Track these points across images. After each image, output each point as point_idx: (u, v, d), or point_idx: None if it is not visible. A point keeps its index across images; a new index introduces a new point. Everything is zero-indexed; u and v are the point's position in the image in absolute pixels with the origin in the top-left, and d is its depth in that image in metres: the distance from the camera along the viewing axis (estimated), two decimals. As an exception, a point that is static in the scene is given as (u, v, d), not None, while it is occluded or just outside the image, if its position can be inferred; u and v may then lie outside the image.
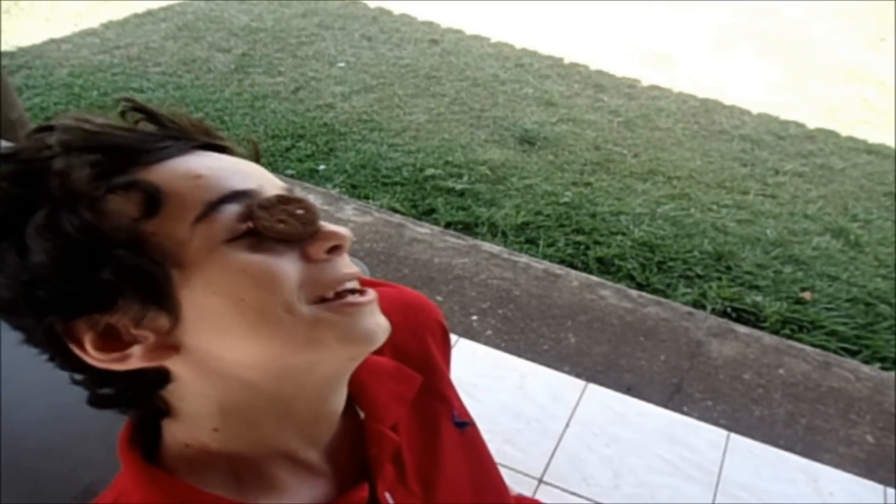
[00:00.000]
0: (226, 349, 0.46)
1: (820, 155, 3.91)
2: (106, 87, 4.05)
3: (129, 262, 0.43)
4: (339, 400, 0.55)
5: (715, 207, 3.27)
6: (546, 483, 1.75)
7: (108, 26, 5.04)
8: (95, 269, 0.43)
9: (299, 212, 0.47)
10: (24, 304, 0.43)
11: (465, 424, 0.68)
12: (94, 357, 0.44)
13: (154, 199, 0.44)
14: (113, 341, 0.45)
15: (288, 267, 0.46)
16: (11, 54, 4.39)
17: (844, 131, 4.24)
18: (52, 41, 4.73)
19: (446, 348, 0.72)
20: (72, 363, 0.46)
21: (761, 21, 5.97)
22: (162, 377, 0.48)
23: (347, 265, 0.50)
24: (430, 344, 0.68)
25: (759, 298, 2.62)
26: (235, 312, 0.45)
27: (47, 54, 4.51)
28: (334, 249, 0.49)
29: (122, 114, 0.49)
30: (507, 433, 1.85)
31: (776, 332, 2.47)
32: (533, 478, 1.75)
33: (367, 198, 3.15)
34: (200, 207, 0.45)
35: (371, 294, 0.51)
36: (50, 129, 0.46)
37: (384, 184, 3.27)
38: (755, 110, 4.42)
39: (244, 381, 0.48)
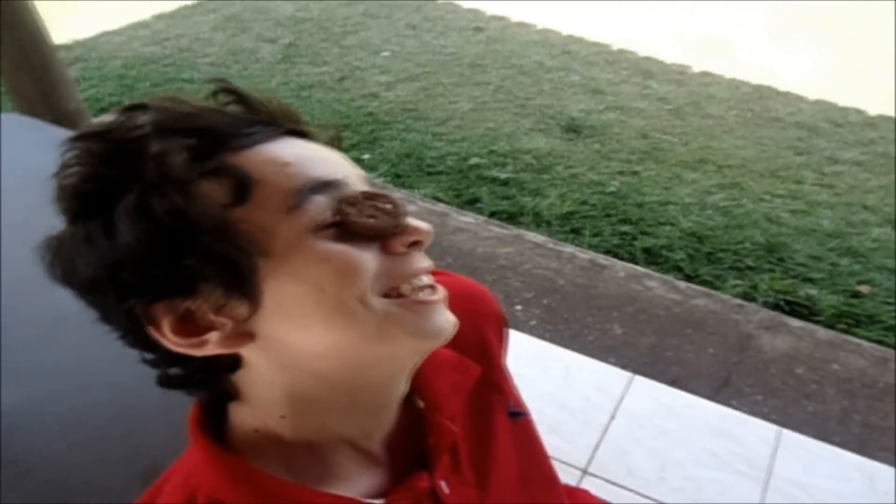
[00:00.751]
0: (300, 338, 0.46)
1: (881, 143, 3.74)
2: (157, 78, 4.17)
3: (216, 248, 0.43)
4: (402, 391, 0.56)
5: (767, 197, 3.17)
6: (590, 474, 1.75)
7: (158, 18, 5.18)
8: (181, 255, 0.43)
9: (387, 206, 0.48)
10: (107, 284, 0.44)
11: (519, 414, 0.69)
12: (171, 341, 0.45)
13: (244, 186, 0.44)
14: (191, 326, 0.45)
15: (369, 259, 0.47)
16: (67, 47, 4.55)
17: (908, 118, 4.05)
18: (105, 34, 4.89)
19: (504, 338, 0.72)
20: (144, 343, 0.47)
21: (819, 3, 5.72)
22: (233, 362, 0.48)
23: (423, 260, 0.51)
24: (488, 334, 0.69)
25: (813, 291, 2.54)
26: (315, 302, 0.45)
27: (101, 47, 4.67)
28: (414, 244, 0.49)
29: (213, 95, 0.49)
30: (552, 424, 1.85)
31: (831, 327, 2.39)
32: (577, 468, 1.75)
33: (410, 187, 3.16)
34: (289, 197, 0.45)
35: (441, 292, 0.51)
36: (142, 107, 0.46)
37: (428, 173, 3.28)
38: (812, 96, 4.25)
39: (314, 371, 0.48)
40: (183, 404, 0.53)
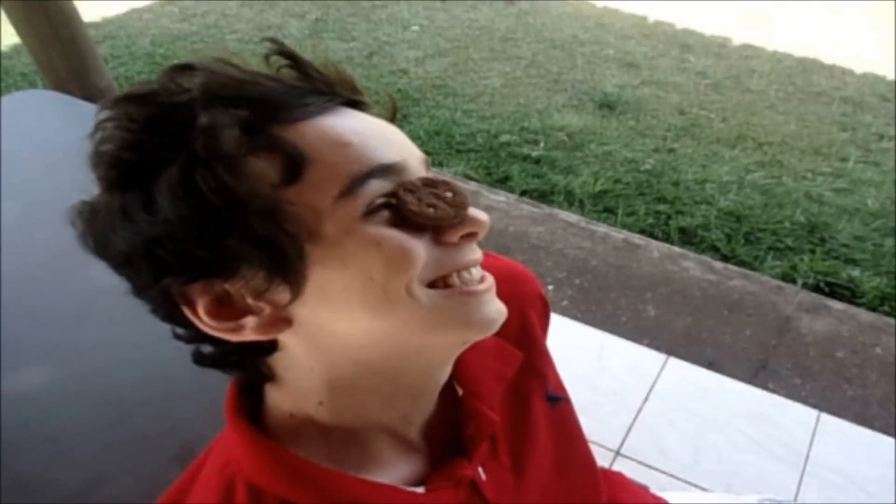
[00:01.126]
0: (342, 326, 0.44)
1: (931, 118, 3.59)
2: (186, 56, 4.14)
3: (263, 231, 0.40)
4: (443, 378, 0.54)
5: (810, 175, 3.06)
6: (623, 456, 1.73)
7: (186, -6, 5.18)
8: (225, 235, 0.40)
9: (448, 195, 0.45)
10: (143, 260, 0.41)
11: (559, 399, 0.67)
12: (206, 323, 0.43)
13: (298, 166, 0.41)
14: (227, 308, 0.43)
15: (421, 248, 0.44)
16: (97, 25, 4.58)
17: (961, 92, 3.87)
18: (134, 11, 4.91)
19: (545, 320, 0.70)
20: (177, 319, 0.45)
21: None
22: (270, 345, 0.46)
23: (474, 251, 0.48)
24: (531, 316, 0.67)
25: (855, 273, 2.46)
26: (361, 289, 0.42)
27: (130, 24, 4.69)
28: (469, 235, 0.46)
29: (266, 58, 0.45)
30: (584, 405, 1.81)
31: (874, 309, 2.32)
32: (610, 450, 1.74)
33: (440, 165, 3.14)
34: (345, 181, 0.42)
35: (489, 281, 0.49)
36: (189, 68, 0.43)
37: (458, 150, 3.24)
38: (859, 70, 4.08)
39: (354, 358, 0.46)
40: (219, 383, 0.52)
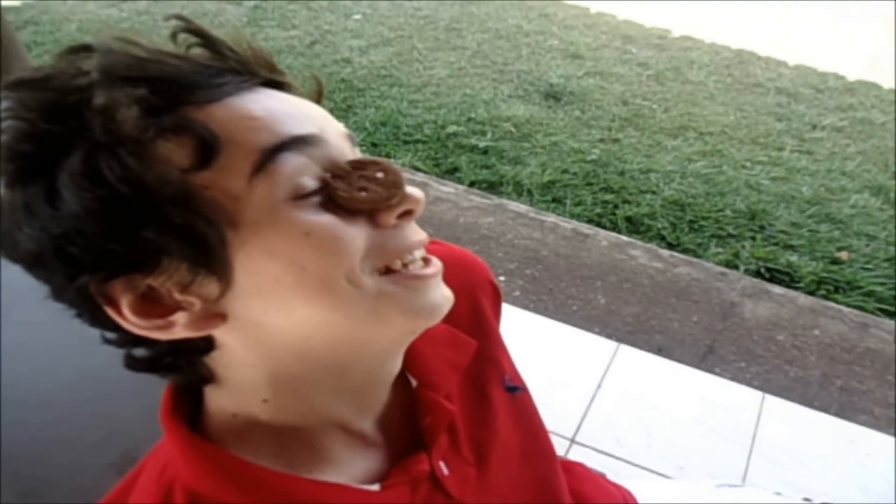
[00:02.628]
0: (279, 319, 0.41)
1: (860, 108, 3.75)
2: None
3: (178, 219, 0.37)
4: (394, 369, 0.52)
5: (748, 164, 3.16)
6: (578, 443, 1.73)
7: (117, -21, 4.94)
8: (138, 226, 0.37)
9: (379, 175, 0.43)
10: (54, 259, 0.38)
11: (517, 389, 0.66)
12: (132, 322, 0.40)
13: (209, 147, 0.38)
14: (154, 306, 0.40)
15: (356, 234, 0.41)
16: (17, 9, 4.32)
17: (887, 83, 4.05)
18: (60, -6, 4.66)
19: (497, 307, 0.68)
20: (104, 322, 0.41)
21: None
22: (206, 344, 0.43)
23: (416, 232, 0.46)
24: (482, 303, 0.64)
25: (794, 258, 2.55)
26: (294, 281, 0.40)
27: (54, 9, 4.44)
28: (405, 214, 0.44)
29: (174, 36, 0.42)
30: (538, 394, 1.81)
31: (812, 293, 2.40)
32: (565, 438, 1.74)
33: (388, 156, 3.08)
34: (256, 156, 0.39)
35: (436, 265, 0.46)
36: (87, 49, 0.40)
37: (405, 142, 3.20)
38: (792, 61, 4.24)
39: (296, 352, 0.44)
40: (159, 385, 0.48)
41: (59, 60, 0.40)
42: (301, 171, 0.40)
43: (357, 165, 0.43)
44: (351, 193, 0.41)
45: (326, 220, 0.40)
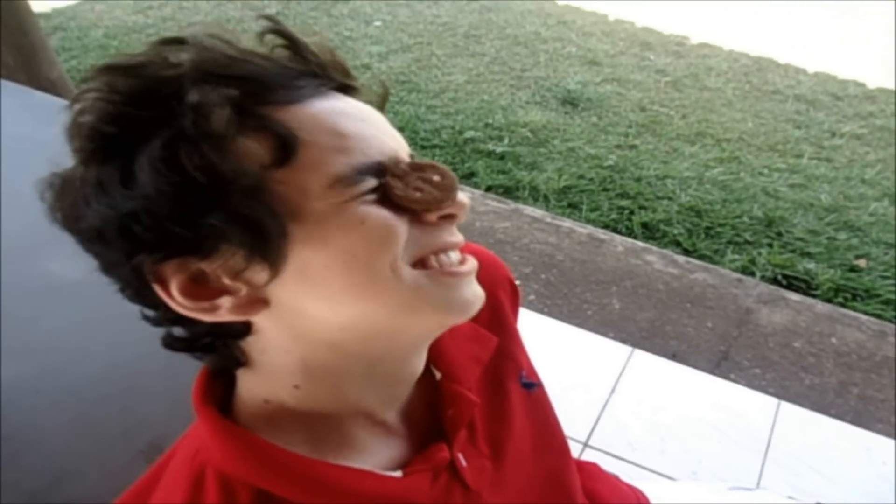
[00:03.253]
0: (319, 307, 0.43)
1: (880, 116, 3.72)
2: (141, 49, 4.05)
3: (247, 211, 0.39)
4: (421, 361, 0.54)
5: (766, 171, 3.15)
6: (591, 447, 1.74)
7: (143, -14, 5.04)
8: (206, 213, 0.38)
9: (435, 178, 0.45)
10: (117, 236, 0.39)
11: (533, 385, 0.67)
12: (179, 303, 0.41)
13: (289, 148, 0.40)
14: (201, 288, 0.41)
15: (402, 226, 0.43)
16: (47, 16, 4.42)
17: (906, 91, 4.02)
18: (86, 2, 4.76)
19: (516, 305, 0.70)
20: (146, 299, 0.43)
21: (818, -26, 5.65)
22: (244, 328, 0.45)
23: (454, 234, 0.48)
24: (502, 301, 0.66)
25: (811, 265, 2.54)
26: (343, 268, 0.42)
27: (82, 15, 4.54)
28: (448, 217, 0.46)
29: (261, 36, 0.44)
30: (552, 397, 1.84)
31: (829, 301, 2.39)
32: (578, 442, 1.75)
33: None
34: (345, 171, 0.41)
35: (471, 263, 0.48)
36: (180, 42, 0.41)
37: (423, 147, 3.23)
38: (811, 69, 4.22)
39: (331, 342, 0.45)
40: (186, 376, 0.50)
41: (150, 50, 0.41)
42: (372, 185, 0.43)
43: (415, 167, 0.45)
44: (406, 193, 0.43)
45: (380, 211, 0.42)
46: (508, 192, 2.93)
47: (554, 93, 3.75)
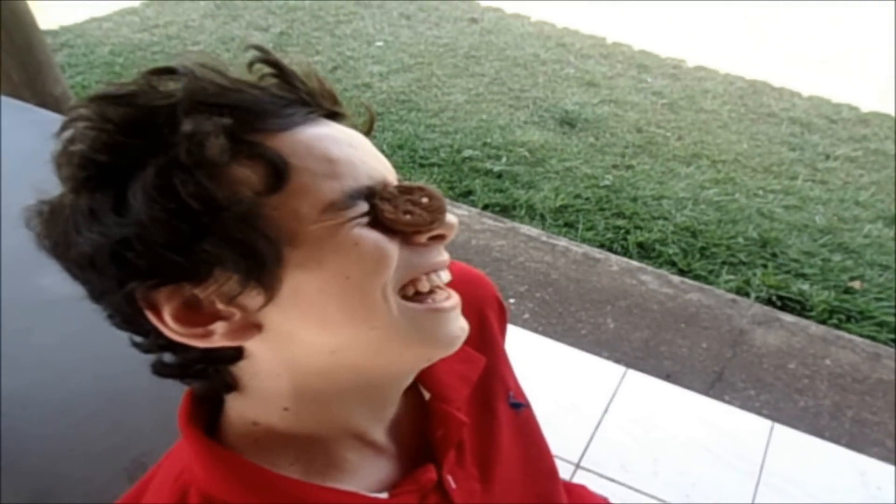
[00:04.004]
0: (313, 331, 0.44)
1: (874, 139, 3.75)
2: (146, 66, 4.09)
3: (242, 237, 0.39)
4: (409, 382, 0.54)
5: (761, 193, 3.17)
6: (583, 468, 1.74)
7: (147, 4, 5.10)
8: (200, 239, 0.39)
9: (424, 200, 0.45)
10: (109, 263, 0.39)
11: (521, 405, 0.67)
12: (172, 329, 0.41)
13: (281, 174, 0.40)
14: (194, 314, 0.41)
15: (394, 249, 0.44)
16: (54, 33, 4.47)
17: (901, 115, 4.05)
18: (94, 20, 4.81)
19: (503, 324, 0.70)
20: (137, 326, 0.43)
21: (815, 1, 5.73)
22: (236, 353, 0.45)
23: (441, 253, 0.49)
24: (490, 320, 0.67)
25: (805, 287, 2.54)
26: (338, 291, 0.42)
27: (88, 33, 4.59)
28: (437, 237, 0.47)
29: (250, 65, 0.44)
30: (544, 417, 1.82)
31: (823, 322, 2.40)
32: (570, 463, 1.74)
33: (404, 178, 3.13)
34: (337, 196, 0.42)
35: (455, 298, 0.49)
36: (171, 72, 0.42)
37: (421, 165, 3.25)
38: (806, 92, 4.26)
39: (322, 366, 0.46)
40: (173, 394, 0.50)
41: (141, 79, 0.42)
42: (362, 210, 0.44)
43: (404, 190, 0.45)
44: (396, 216, 0.44)
45: (372, 233, 0.43)
46: (505, 210, 2.95)
47: (552, 113, 3.78)
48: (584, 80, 4.20)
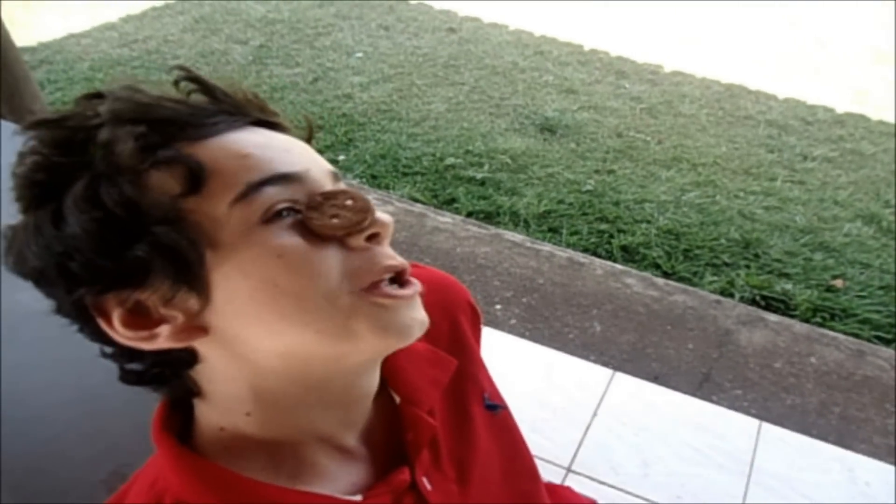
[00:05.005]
0: (255, 334, 0.45)
1: (850, 140, 3.81)
2: (125, 82, 4.06)
3: (165, 239, 0.41)
4: (372, 383, 0.54)
5: (742, 194, 3.20)
6: (574, 472, 1.73)
7: (126, 20, 5.07)
8: (130, 245, 0.41)
9: (348, 202, 0.46)
10: (56, 274, 0.42)
11: (497, 407, 0.67)
12: (121, 334, 0.43)
13: (197, 177, 0.42)
14: (141, 318, 0.44)
15: (328, 256, 0.45)
16: (32, 49, 4.43)
17: (875, 115, 4.12)
18: (72, 36, 4.77)
19: (477, 328, 0.70)
20: (100, 336, 0.45)
21: (788, 3, 5.84)
22: (189, 357, 0.46)
23: (388, 256, 0.48)
24: (462, 324, 0.67)
25: (788, 286, 2.56)
26: (268, 298, 0.43)
27: (67, 49, 4.55)
28: (373, 237, 0.47)
29: (176, 83, 0.48)
30: (534, 422, 1.83)
31: (807, 321, 2.41)
32: (561, 467, 1.73)
33: (387, 188, 3.13)
34: (241, 187, 0.43)
35: (414, 287, 0.49)
36: (100, 96, 0.45)
37: (404, 174, 3.25)
38: (782, 95, 4.32)
39: (273, 367, 0.46)
40: (150, 406, 0.51)
41: (76, 105, 0.45)
42: (278, 200, 0.44)
43: (328, 196, 0.46)
44: (323, 221, 0.44)
45: (296, 242, 0.44)
46: (489, 217, 2.94)
47: (532, 120, 3.80)
48: (564, 87, 4.23)
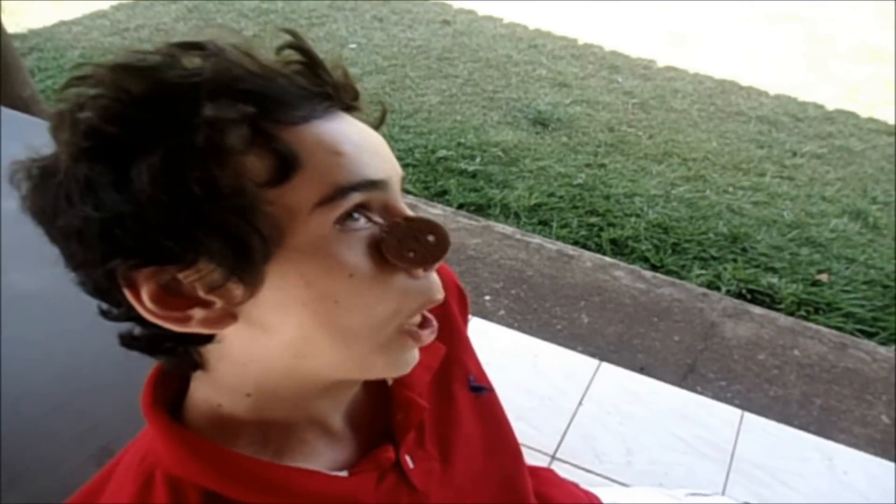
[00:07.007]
0: (288, 335, 0.43)
1: (839, 136, 3.84)
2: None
3: (235, 229, 0.38)
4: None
5: (731, 189, 3.23)
6: (559, 459, 1.75)
7: (118, 8, 5.04)
8: (194, 226, 0.38)
9: (430, 238, 0.44)
10: (96, 238, 0.38)
11: (482, 389, 0.68)
12: (148, 309, 0.40)
13: (289, 168, 0.39)
14: (173, 298, 0.40)
15: (394, 287, 0.44)
16: (23, 37, 4.39)
17: (865, 112, 4.16)
18: (63, 23, 4.73)
19: (465, 311, 0.71)
20: (112, 297, 0.42)
21: (780, 0, 5.86)
22: (208, 336, 0.44)
23: (438, 289, 0.48)
24: (452, 308, 0.68)
25: (774, 280, 2.60)
26: (322, 311, 0.42)
27: (58, 36, 4.52)
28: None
29: (278, 50, 0.43)
30: (520, 410, 1.85)
31: (792, 314, 2.45)
32: (546, 454, 1.76)
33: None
34: (329, 189, 0.40)
35: (433, 328, 0.49)
36: (199, 47, 0.40)
37: (396, 165, 3.25)
38: (773, 91, 4.35)
39: (286, 364, 0.46)
40: (139, 384, 0.50)
41: (165, 51, 0.40)
42: (357, 204, 0.42)
43: (411, 223, 0.44)
44: (399, 252, 0.43)
45: (368, 265, 0.42)
46: (480, 209, 2.96)
47: (525, 113, 3.81)
48: (557, 81, 4.25)
